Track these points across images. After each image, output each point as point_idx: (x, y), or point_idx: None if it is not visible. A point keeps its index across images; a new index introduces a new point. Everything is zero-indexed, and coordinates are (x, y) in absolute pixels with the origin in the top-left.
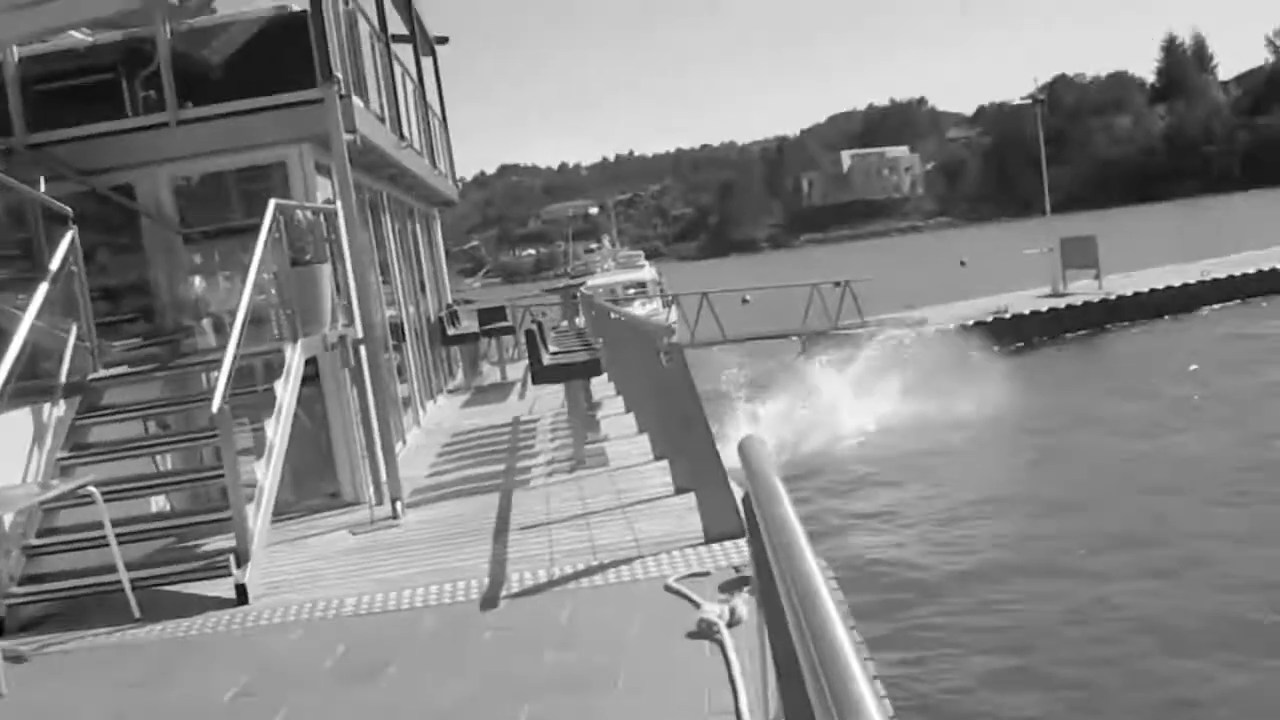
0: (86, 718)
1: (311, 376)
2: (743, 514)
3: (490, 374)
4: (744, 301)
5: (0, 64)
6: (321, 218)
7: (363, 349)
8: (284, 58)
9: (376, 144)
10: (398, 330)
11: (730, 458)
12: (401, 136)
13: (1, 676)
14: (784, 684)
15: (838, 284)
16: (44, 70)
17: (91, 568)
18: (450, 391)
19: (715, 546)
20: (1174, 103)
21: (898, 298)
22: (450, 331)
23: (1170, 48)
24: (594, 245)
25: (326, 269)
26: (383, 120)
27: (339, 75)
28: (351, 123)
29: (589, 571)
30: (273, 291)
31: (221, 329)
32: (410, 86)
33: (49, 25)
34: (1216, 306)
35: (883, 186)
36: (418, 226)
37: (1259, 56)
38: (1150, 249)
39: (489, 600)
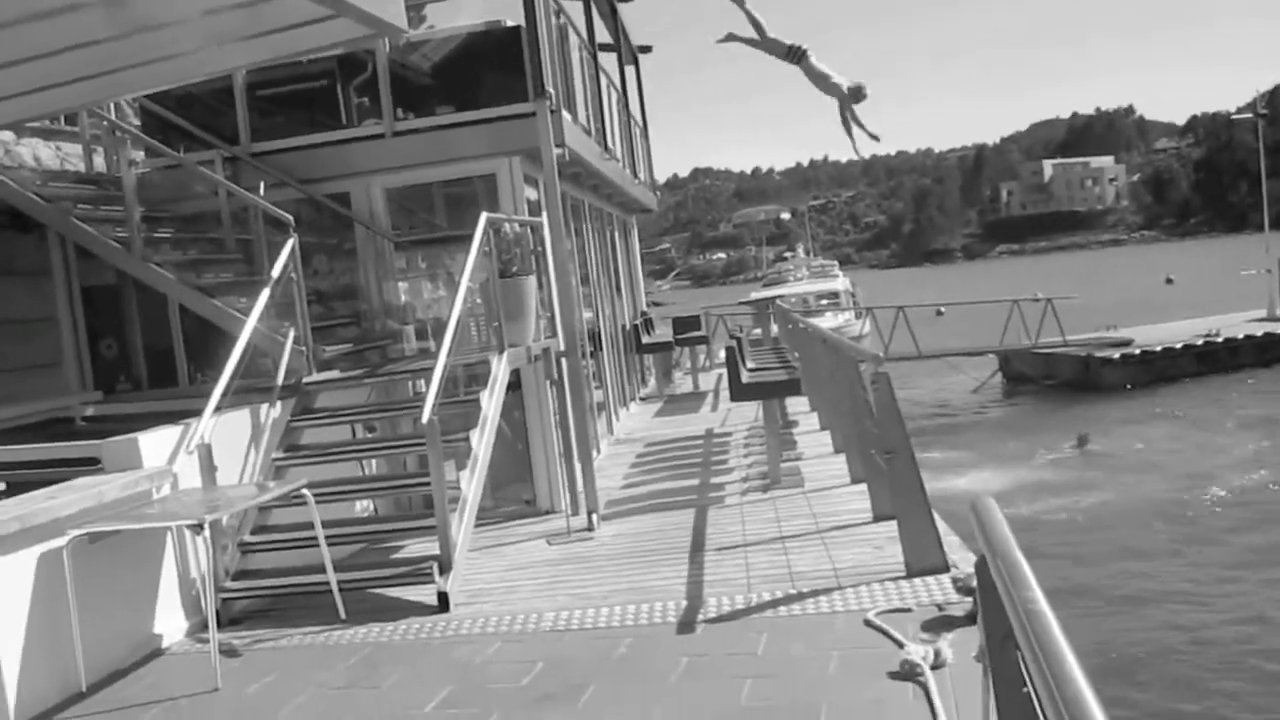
0: (295, 718)
1: (512, 384)
2: (974, 577)
3: (682, 383)
4: (938, 314)
5: (229, 77)
6: (528, 230)
7: (564, 361)
8: (496, 71)
9: (582, 156)
10: (594, 337)
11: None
12: (605, 148)
13: (217, 670)
14: None
15: (1038, 300)
16: (266, 79)
17: (299, 567)
18: (643, 399)
19: (917, 581)
20: None
21: (1099, 315)
22: (645, 339)
23: None
24: (788, 253)
25: (532, 281)
26: (588, 132)
27: (551, 90)
28: (561, 136)
29: (786, 600)
30: (477, 300)
31: (423, 335)
32: (614, 96)
33: (277, 54)
34: None
35: (1085, 198)
36: (616, 234)
37: None
38: None
39: (685, 624)
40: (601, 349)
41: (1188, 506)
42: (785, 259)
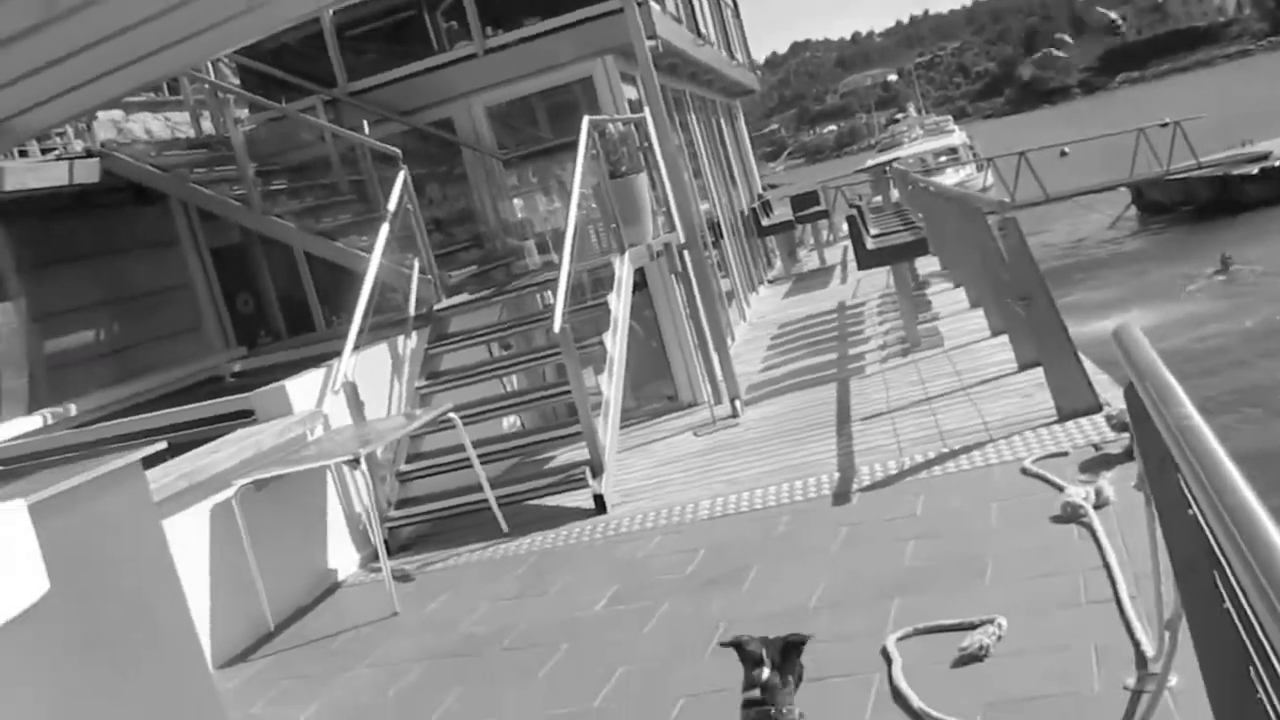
0: (474, 630)
1: (638, 283)
2: (1125, 406)
3: (808, 260)
4: (1062, 154)
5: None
6: (633, 127)
7: (686, 253)
8: None
9: (676, 46)
10: (714, 226)
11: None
12: (698, 34)
13: (394, 595)
14: (1184, 580)
15: (1165, 125)
16: (355, 18)
17: (457, 488)
18: (770, 282)
19: (1070, 424)
20: None
21: (1233, 133)
22: (765, 222)
23: None
24: (899, 115)
25: (643, 178)
26: (679, 20)
27: None
28: (652, 28)
29: (939, 459)
30: (592, 206)
31: (544, 248)
32: None
33: None
34: None
35: (1204, 11)
36: (721, 120)
37: None
38: None
39: (840, 495)
40: (722, 237)
41: None
42: (897, 121)
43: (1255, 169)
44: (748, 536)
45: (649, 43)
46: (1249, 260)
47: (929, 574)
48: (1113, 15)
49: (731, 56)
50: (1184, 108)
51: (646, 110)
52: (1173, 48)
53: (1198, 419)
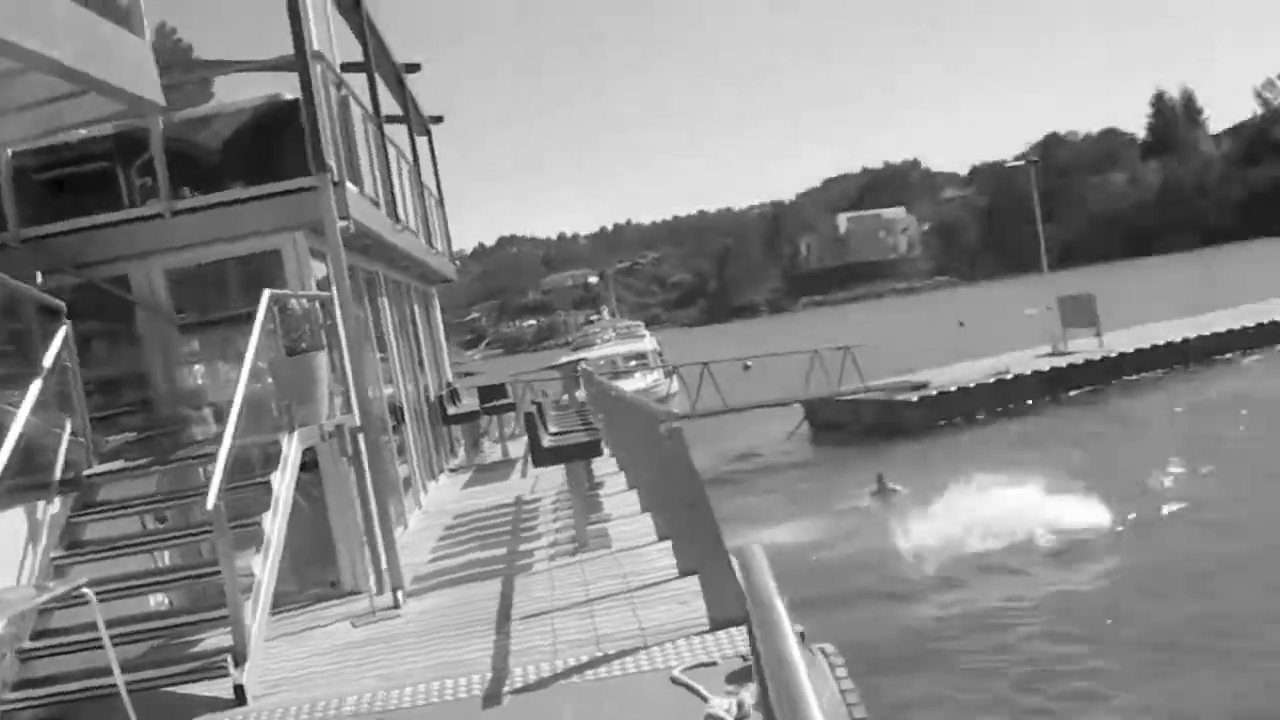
0: None
1: (310, 463)
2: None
3: (492, 452)
4: (745, 368)
5: None
6: (317, 304)
7: (360, 437)
8: (277, 145)
9: (371, 229)
10: (397, 410)
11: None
12: (396, 219)
13: None
14: None
15: (839, 349)
16: (38, 164)
17: (88, 670)
18: (452, 470)
19: (722, 634)
20: (1166, 158)
21: (898, 361)
22: (451, 410)
23: (1159, 104)
24: (594, 316)
25: (322, 356)
26: (377, 204)
27: (331, 164)
28: (345, 209)
29: (593, 664)
30: (269, 380)
31: (222, 417)
32: (405, 167)
33: (35, 130)
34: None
35: (880, 248)
36: (415, 306)
37: (1248, 109)
38: (1148, 304)
39: (491, 697)
40: (404, 422)
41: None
42: (592, 322)
43: (915, 396)
44: None
45: (341, 223)
46: (898, 481)
47: None
48: (800, 243)
49: (431, 245)
50: (858, 334)
51: (333, 288)
52: (851, 278)
53: (795, 665)
